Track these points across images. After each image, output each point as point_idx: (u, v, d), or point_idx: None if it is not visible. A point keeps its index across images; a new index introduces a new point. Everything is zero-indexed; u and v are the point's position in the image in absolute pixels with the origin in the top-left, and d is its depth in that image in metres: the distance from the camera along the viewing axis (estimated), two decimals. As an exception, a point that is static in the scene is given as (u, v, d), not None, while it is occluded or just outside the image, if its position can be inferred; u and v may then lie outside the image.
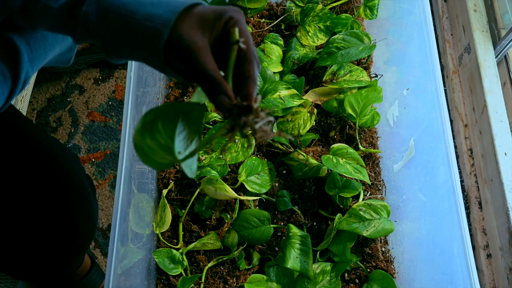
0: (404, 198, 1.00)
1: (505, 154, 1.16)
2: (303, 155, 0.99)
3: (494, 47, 1.27)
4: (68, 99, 1.42)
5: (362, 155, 1.05)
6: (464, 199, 1.28)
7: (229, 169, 1.00)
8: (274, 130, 0.47)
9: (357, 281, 0.96)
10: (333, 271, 0.92)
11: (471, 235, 1.24)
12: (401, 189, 1.01)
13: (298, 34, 1.13)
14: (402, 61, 1.09)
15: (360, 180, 0.99)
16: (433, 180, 0.92)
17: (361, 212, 0.91)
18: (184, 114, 0.45)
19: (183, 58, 0.46)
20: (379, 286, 0.91)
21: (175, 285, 0.94)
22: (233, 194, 0.92)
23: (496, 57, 1.27)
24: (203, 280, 0.92)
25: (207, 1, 1.12)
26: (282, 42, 1.14)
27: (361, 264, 0.96)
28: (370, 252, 0.98)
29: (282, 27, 1.19)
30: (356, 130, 1.03)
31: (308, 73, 1.12)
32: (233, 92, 0.46)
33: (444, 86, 1.43)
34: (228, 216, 0.97)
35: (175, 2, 0.47)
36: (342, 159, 0.96)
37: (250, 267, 0.96)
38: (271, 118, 0.44)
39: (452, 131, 1.36)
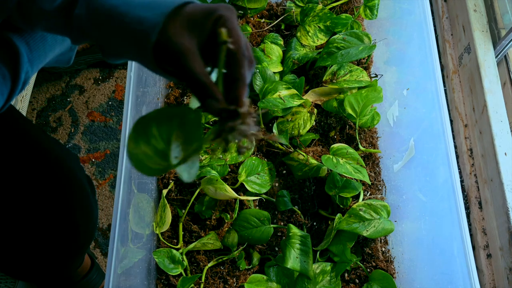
0: (404, 198, 1.00)
1: (505, 154, 1.16)
2: (303, 155, 0.99)
3: (494, 47, 1.27)
4: (68, 99, 1.42)
5: (362, 155, 1.05)
6: (464, 199, 1.28)
7: (229, 169, 1.00)
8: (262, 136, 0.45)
9: (357, 281, 0.96)
10: (333, 271, 0.92)
11: (471, 235, 1.24)
12: (401, 189, 1.01)
13: (298, 34, 1.13)
14: (402, 61, 1.09)
15: (360, 180, 0.99)
16: (433, 180, 0.92)
17: (361, 212, 0.91)
18: (179, 118, 0.44)
19: (171, 60, 0.45)
20: (379, 286, 0.91)
21: (175, 285, 0.94)
22: (233, 194, 0.92)
23: (496, 57, 1.27)
24: (203, 280, 0.92)
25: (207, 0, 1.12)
26: (282, 42, 1.14)
27: (361, 264, 0.96)
28: (370, 252, 0.98)
29: (282, 27, 1.19)
30: (356, 130, 1.03)
31: (308, 73, 1.12)
32: (224, 95, 0.45)
33: (444, 86, 1.43)
34: (228, 216, 0.97)
35: (166, 3, 0.46)
36: (342, 159, 0.96)
37: (250, 267, 0.96)
38: (257, 127, 0.43)
39: (452, 131, 1.36)
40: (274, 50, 1.10)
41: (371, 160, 1.06)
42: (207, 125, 1.04)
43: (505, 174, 1.13)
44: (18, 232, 0.76)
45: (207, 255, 0.96)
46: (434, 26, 1.48)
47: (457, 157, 1.34)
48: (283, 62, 1.11)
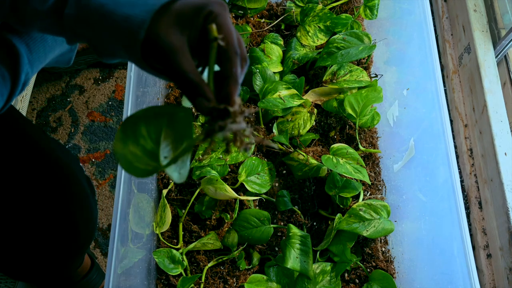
0: (404, 198, 1.00)
1: (505, 154, 1.16)
2: (303, 155, 0.99)
3: (494, 47, 1.27)
4: (68, 99, 1.42)
5: (362, 155, 1.05)
6: (464, 199, 1.28)
7: (229, 169, 1.00)
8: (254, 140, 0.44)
9: (357, 281, 0.96)
10: (333, 271, 0.92)
11: (471, 235, 1.24)
12: (401, 189, 1.01)
13: (298, 34, 1.13)
14: (402, 61, 1.09)
15: (360, 180, 0.99)
16: (433, 180, 0.92)
17: (361, 212, 0.91)
18: (169, 116, 0.42)
19: (160, 59, 0.44)
20: (379, 286, 0.91)
21: (175, 285, 0.94)
22: (233, 194, 0.92)
23: (496, 57, 1.27)
24: (203, 280, 0.92)
25: None
26: (282, 42, 1.13)
27: (361, 264, 0.96)
28: (370, 252, 0.98)
29: (282, 27, 1.19)
30: (356, 130, 1.03)
31: (308, 73, 1.12)
32: (216, 93, 0.44)
33: (444, 86, 1.43)
34: (228, 216, 0.97)
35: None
36: (342, 159, 0.96)
37: (250, 267, 0.96)
38: (244, 125, 0.41)
39: (452, 131, 1.36)
40: (274, 50, 1.10)
41: (371, 160, 1.06)
42: (207, 125, 1.03)
43: (505, 174, 1.13)
44: (18, 232, 0.76)
45: (207, 255, 0.96)
46: (434, 26, 1.48)
47: (457, 157, 1.34)
48: (283, 62, 1.11)
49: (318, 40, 1.12)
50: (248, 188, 0.96)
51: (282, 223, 0.99)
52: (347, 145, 0.99)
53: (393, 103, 1.07)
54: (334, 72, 1.06)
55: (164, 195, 0.97)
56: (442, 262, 0.86)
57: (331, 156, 0.95)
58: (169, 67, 0.44)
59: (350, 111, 0.99)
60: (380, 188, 1.04)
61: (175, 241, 0.97)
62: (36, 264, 0.80)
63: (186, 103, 0.53)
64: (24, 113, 1.29)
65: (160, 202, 0.97)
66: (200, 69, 0.48)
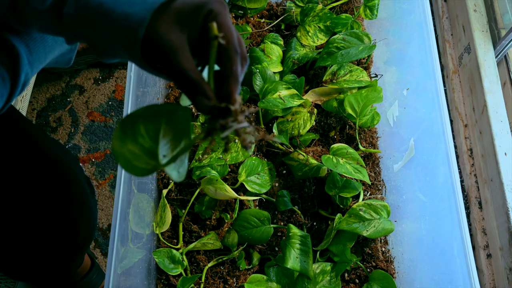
0: (404, 198, 1.00)
1: (505, 154, 1.16)
2: (303, 155, 0.99)
3: (494, 47, 1.27)
4: (68, 99, 1.42)
5: (362, 155, 1.05)
6: (464, 199, 1.28)
7: (229, 169, 1.00)
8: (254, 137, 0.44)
9: (357, 281, 0.96)
10: (333, 271, 0.92)
11: (471, 235, 1.24)
12: (401, 189, 1.01)
13: (298, 34, 1.13)
14: (402, 61, 1.09)
15: (360, 180, 0.99)
16: (433, 180, 0.92)
17: (361, 212, 0.91)
18: (167, 115, 0.42)
19: (160, 57, 0.44)
20: (379, 286, 0.91)
21: (175, 285, 0.94)
22: (233, 194, 0.92)
23: (496, 57, 1.27)
24: (203, 280, 0.92)
25: None
26: (282, 42, 1.13)
27: (361, 264, 0.96)
28: (370, 252, 0.98)
29: (282, 27, 1.19)
30: (356, 130, 1.03)
31: (308, 73, 1.12)
32: (216, 92, 0.43)
33: (444, 86, 1.43)
34: (228, 216, 0.97)
35: None
36: (342, 159, 0.96)
37: (250, 267, 0.96)
38: (246, 124, 0.41)
39: (452, 131, 1.36)
40: (274, 50, 1.10)
41: (371, 160, 1.06)
42: (206, 125, 1.04)
43: (505, 174, 1.13)
44: (18, 232, 0.76)
45: (207, 255, 0.96)
46: (434, 26, 1.48)
47: (457, 157, 1.34)
48: (283, 62, 1.11)
49: (318, 40, 1.12)
50: (248, 188, 0.96)
51: (282, 223, 0.99)
52: (347, 145, 0.99)
53: (393, 103, 1.07)
54: (334, 72, 1.06)
55: (164, 195, 0.97)
56: (442, 262, 0.86)
57: (331, 156, 0.95)
58: (169, 66, 0.44)
59: (350, 111, 0.99)
60: (380, 188, 1.04)
61: (175, 241, 0.97)
62: (36, 264, 0.80)
63: (184, 102, 0.53)
64: (24, 113, 1.29)
65: (160, 202, 0.97)
66: (199, 68, 0.48)
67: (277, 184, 1.03)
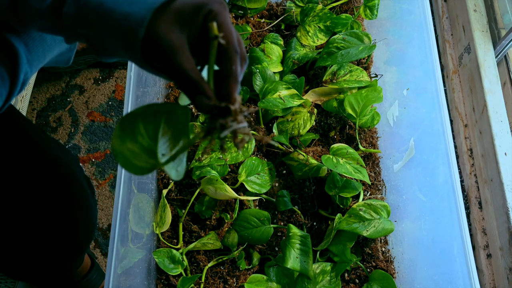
0: (404, 198, 1.00)
1: (505, 154, 1.16)
2: (303, 155, 0.99)
3: (494, 47, 1.27)
4: (68, 99, 1.42)
5: (362, 155, 1.05)
6: (464, 199, 1.28)
7: (229, 169, 1.00)
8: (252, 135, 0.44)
9: (357, 281, 0.96)
10: (333, 271, 0.92)
11: (471, 235, 1.24)
12: (401, 189, 1.01)
13: (298, 34, 1.13)
14: (402, 61, 1.09)
15: (360, 180, 0.99)
16: (433, 180, 0.92)
17: (361, 212, 0.91)
18: (167, 114, 0.42)
19: (160, 57, 0.44)
20: (379, 286, 0.91)
21: (175, 285, 0.94)
22: (233, 194, 0.92)
23: (496, 57, 1.27)
24: (203, 280, 0.92)
25: None
26: (282, 42, 1.13)
27: (361, 264, 0.96)
28: (370, 252, 0.98)
29: (282, 27, 1.19)
30: (356, 130, 1.03)
31: (308, 73, 1.12)
32: (216, 92, 0.44)
33: (444, 86, 1.43)
34: (228, 216, 0.97)
35: None
36: (342, 159, 0.96)
37: (250, 267, 0.96)
38: (245, 124, 0.41)
39: (452, 131, 1.36)
40: (274, 50, 1.10)
41: (371, 160, 1.06)
42: (205, 125, 1.03)
43: (505, 174, 1.13)
44: (18, 232, 0.76)
45: (207, 255, 0.96)
46: (434, 26, 1.48)
47: (457, 157, 1.34)
48: (283, 62, 1.11)
49: (318, 40, 1.12)
50: (248, 188, 0.96)
51: (282, 223, 0.99)
52: (347, 145, 0.99)
53: (393, 103, 1.07)
54: (334, 72, 1.06)
55: (164, 195, 0.97)
56: (442, 262, 0.86)
57: (331, 156, 0.95)
58: (169, 66, 0.44)
59: (350, 111, 0.99)
60: (380, 188, 1.04)
61: (175, 241, 0.97)
62: (36, 264, 0.80)
63: (183, 101, 0.54)
64: (24, 113, 1.29)
65: (160, 202, 0.97)
66: (198, 68, 0.48)
67: (277, 184, 1.03)
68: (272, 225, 0.94)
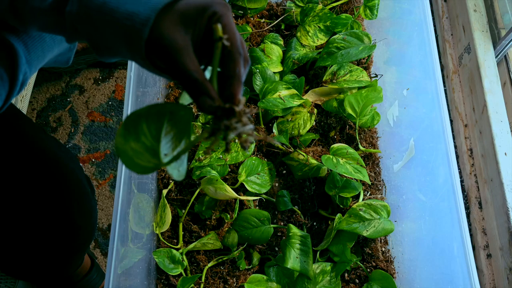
0: (404, 198, 1.00)
1: (505, 154, 1.16)
2: (303, 155, 0.99)
3: (494, 47, 1.27)
4: (68, 99, 1.42)
5: (362, 155, 1.05)
6: (464, 199, 1.28)
7: (229, 169, 1.00)
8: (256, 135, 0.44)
9: (357, 281, 0.96)
10: (333, 271, 0.92)
11: (471, 235, 1.24)
12: (401, 189, 1.01)
13: (298, 34, 1.13)
14: (402, 61, 1.09)
15: (360, 180, 0.99)
16: (433, 180, 0.92)
17: (361, 212, 0.91)
18: (170, 114, 0.43)
19: (164, 57, 0.44)
20: (379, 286, 0.91)
21: (175, 285, 0.94)
22: (233, 194, 0.92)
23: (496, 57, 1.27)
24: (203, 280, 0.92)
25: None
26: (282, 42, 1.14)
27: (361, 264, 0.96)
28: (370, 252, 0.98)
29: (282, 27, 1.19)
30: (356, 130, 1.03)
31: (308, 73, 1.12)
32: (219, 93, 0.44)
33: (444, 86, 1.43)
34: (228, 216, 0.97)
35: None
36: (342, 159, 0.96)
37: (250, 267, 0.96)
38: (252, 126, 0.42)
39: (452, 131, 1.36)
40: (274, 50, 1.10)
41: (371, 160, 1.06)
42: (207, 125, 1.04)
43: (505, 174, 1.13)
44: (18, 232, 0.76)
45: (207, 255, 0.96)
46: (434, 26, 1.48)
47: (457, 157, 1.34)
48: (283, 62, 1.11)
49: (318, 40, 1.12)
50: (248, 188, 0.96)
51: (282, 223, 0.99)
52: (347, 145, 0.99)
53: (393, 103, 1.07)
54: (334, 72, 1.06)
55: (164, 195, 0.97)
56: (442, 262, 0.86)
57: (331, 156, 0.95)
58: (173, 66, 0.44)
59: (350, 111, 0.99)
60: (380, 188, 1.04)
61: (175, 241, 0.97)
62: (36, 264, 0.80)
63: (184, 100, 0.54)
64: (24, 113, 1.29)
65: (160, 202, 0.97)
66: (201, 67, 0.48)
67: (277, 184, 1.03)
68: (272, 225, 0.94)
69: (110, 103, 1.42)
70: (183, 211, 0.98)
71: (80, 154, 1.35)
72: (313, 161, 0.99)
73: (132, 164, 0.42)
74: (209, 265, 0.94)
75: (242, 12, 1.18)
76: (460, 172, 1.31)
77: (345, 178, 0.97)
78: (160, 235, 0.96)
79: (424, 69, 0.97)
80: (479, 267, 1.19)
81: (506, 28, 1.27)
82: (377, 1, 1.08)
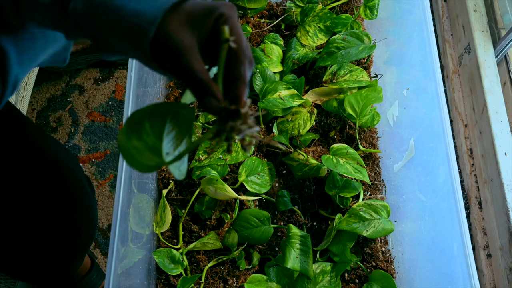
0: (404, 198, 1.00)
1: (505, 154, 1.16)
2: (303, 155, 0.99)
3: (494, 47, 1.27)
4: (68, 99, 1.42)
5: (362, 155, 1.05)
6: (464, 199, 1.28)
7: (229, 169, 1.00)
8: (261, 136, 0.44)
9: (357, 281, 0.96)
10: (333, 271, 0.92)
11: (471, 235, 1.24)
12: (401, 189, 1.01)
13: (298, 34, 1.13)
14: (402, 61, 1.09)
15: (360, 180, 0.99)
16: (433, 180, 0.92)
17: (361, 212, 0.91)
18: (172, 114, 0.43)
19: (170, 57, 0.44)
20: (379, 286, 0.91)
21: (175, 285, 0.94)
22: (233, 194, 0.92)
23: (496, 57, 1.27)
24: (203, 280, 0.92)
25: None
26: (282, 42, 1.14)
27: (361, 264, 0.96)
28: (370, 252, 0.98)
29: (282, 27, 1.19)
30: (356, 130, 1.03)
31: (308, 73, 1.12)
32: (223, 94, 0.44)
33: (444, 86, 1.43)
34: (228, 216, 0.97)
35: None
36: (342, 159, 0.96)
37: (250, 267, 0.96)
38: (257, 128, 0.42)
39: (452, 131, 1.36)
40: (274, 50, 1.10)
41: (371, 160, 1.06)
42: (207, 125, 1.04)
43: (505, 174, 1.13)
44: (18, 232, 0.76)
45: (207, 255, 0.96)
46: (434, 26, 1.48)
47: (457, 157, 1.34)
48: (283, 62, 1.11)
49: (318, 40, 1.12)
50: (248, 188, 0.96)
51: (282, 223, 0.99)
52: (347, 145, 0.99)
53: (393, 103, 1.07)
54: (334, 72, 1.06)
55: (164, 195, 0.97)
56: (442, 262, 0.86)
57: (331, 156, 0.95)
58: (178, 66, 0.44)
59: (350, 111, 1.00)
60: (380, 188, 1.04)
61: (175, 241, 0.97)
62: (36, 264, 0.80)
63: (186, 99, 0.54)
64: (24, 113, 1.29)
65: (160, 202, 0.97)
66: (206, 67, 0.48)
67: (277, 184, 1.03)
68: (272, 225, 0.94)
69: (110, 103, 1.42)
70: (183, 211, 0.98)
71: (80, 154, 1.35)
72: (313, 161, 0.99)
73: (134, 162, 0.42)
74: (209, 265, 0.94)
75: (242, 12, 1.19)
76: (460, 172, 1.31)
77: (345, 178, 0.97)
78: (160, 235, 0.96)
79: (424, 69, 0.97)
80: (479, 267, 1.19)
81: (506, 28, 1.27)
82: (377, 1, 1.08)
